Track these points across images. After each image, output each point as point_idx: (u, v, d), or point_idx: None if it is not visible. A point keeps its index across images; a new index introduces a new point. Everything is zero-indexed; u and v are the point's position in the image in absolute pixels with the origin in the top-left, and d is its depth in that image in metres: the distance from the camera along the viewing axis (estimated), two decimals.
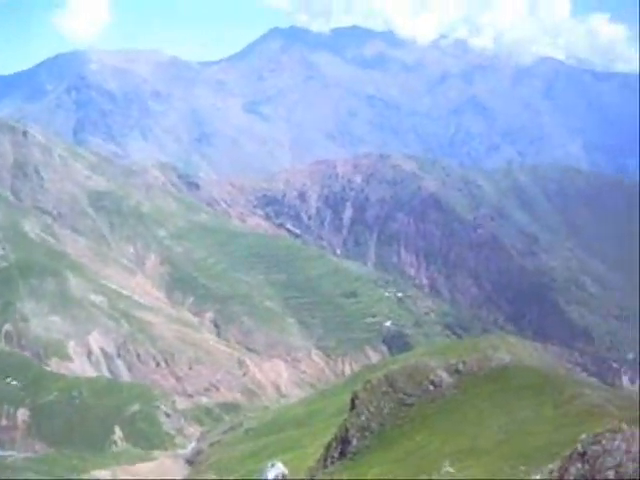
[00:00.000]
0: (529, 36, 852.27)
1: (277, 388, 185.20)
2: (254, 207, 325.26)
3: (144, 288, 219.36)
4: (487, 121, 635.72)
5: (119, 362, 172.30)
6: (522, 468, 28.02)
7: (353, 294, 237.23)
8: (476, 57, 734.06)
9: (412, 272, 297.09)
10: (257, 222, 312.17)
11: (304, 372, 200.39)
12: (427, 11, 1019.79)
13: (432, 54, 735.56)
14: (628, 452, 14.51)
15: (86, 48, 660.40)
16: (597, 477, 14.57)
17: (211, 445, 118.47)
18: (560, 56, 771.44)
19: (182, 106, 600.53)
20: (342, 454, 49.71)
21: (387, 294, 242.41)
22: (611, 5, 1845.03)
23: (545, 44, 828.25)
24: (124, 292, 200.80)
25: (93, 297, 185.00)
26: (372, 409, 49.58)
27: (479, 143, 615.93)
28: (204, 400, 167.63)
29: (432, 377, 50.01)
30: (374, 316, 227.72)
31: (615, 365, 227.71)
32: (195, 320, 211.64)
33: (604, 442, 15.10)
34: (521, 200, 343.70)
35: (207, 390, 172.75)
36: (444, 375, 50.17)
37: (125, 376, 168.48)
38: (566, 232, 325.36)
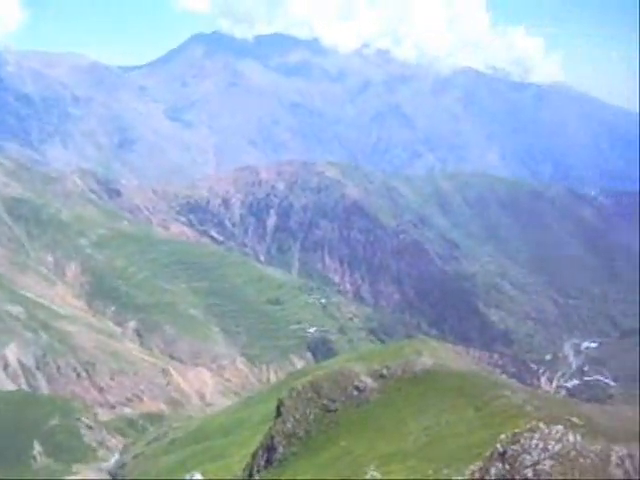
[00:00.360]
0: (449, 47, 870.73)
1: (202, 397, 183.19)
2: (177, 214, 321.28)
3: (64, 298, 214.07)
4: (409, 129, 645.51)
5: (38, 374, 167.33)
6: (445, 471, 28.62)
7: (277, 301, 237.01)
8: (398, 66, 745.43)
9: (336, 278, 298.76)
10: (180, 229, 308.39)
11: (229, 380, 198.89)
12: (350, 20, 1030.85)
13: (355, 63, 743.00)
14: (545, 450, 15.04)
15: (2, 49, 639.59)
16: (516, 476, 15.03)
17: (135, 457, 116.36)
18: (479, 67, 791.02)
19: (103, 112, 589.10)
20: (268, 462, 49.67)
21: (311, 301, 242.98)
22: (528, 19, 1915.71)
23: (465, 55, 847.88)
24: (43, 302, 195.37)
25: (10, 307, 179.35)
26: (297, 416, 49.70)
27: (401, 151, 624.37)
28: (127, 411, 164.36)
29: (356, 382, 50.46)
30: (298, 323, 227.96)
31: (533, 366, 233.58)
32: (117, 330, 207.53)
33: (522, 441, 15.60)
34: (442, 206, 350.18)
35: (130, 401, 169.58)
36: (368, 380, 50.67)
37: (44, 389, 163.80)
38: (485, 237, 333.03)
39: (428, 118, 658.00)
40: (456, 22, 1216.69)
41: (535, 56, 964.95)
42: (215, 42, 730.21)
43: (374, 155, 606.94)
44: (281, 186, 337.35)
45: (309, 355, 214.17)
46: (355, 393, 49.73)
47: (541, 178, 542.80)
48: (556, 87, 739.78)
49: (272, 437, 50.16)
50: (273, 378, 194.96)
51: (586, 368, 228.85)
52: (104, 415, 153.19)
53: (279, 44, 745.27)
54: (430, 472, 29.60)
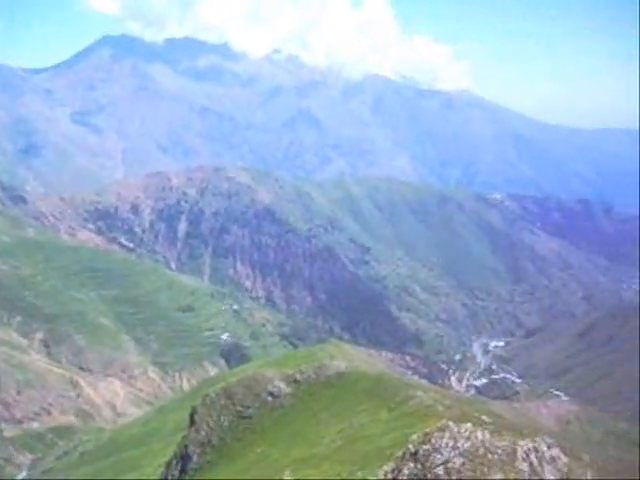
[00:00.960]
0: (359, 54, 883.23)
1: (113, 408, 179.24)
2: (84, 221, 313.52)
3: None
4: (319, 134, 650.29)
5: None
6: (359, 473, 29.00)
7: (189, 308, 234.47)
8: (308, 72, 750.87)
9: (248, 284, 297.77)
10: (88, 236, 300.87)
11: (141, 390, 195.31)
12: (260, 25, 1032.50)
13: (266, 68, 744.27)
14: (455, 448, 15.52)
15: None
16: (428, 475, 15.44)
17: (44, 472, 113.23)
18: (388, 74, 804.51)
19: (6, 115, 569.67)
20: (183, 471, 49.18)
21: (223, 307, 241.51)
22: (435, 27, 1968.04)
23: (374, 62, 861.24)
24: None
25: None
26: (211, 423, 49.38)
27: (312, 155, 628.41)
28: (35, 425, 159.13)
29: (270, 388, 50.52)
30: (211, 329, 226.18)
31: (444, 366, 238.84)
32: (23, 341, 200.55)
33: (433, 441, 16.05)
34: (353, 211, 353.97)
35: (38, 415, 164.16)
36: (282, 385, 50.82)
37: None
38: (396, 241, 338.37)
39: (338, 123, 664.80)
40: (365, 29, 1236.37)
41: (442, 64, 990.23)
42: (124, 45, 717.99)
43: (285, 160, 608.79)
44: (192, 192, 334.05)
45: (222, 362, 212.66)
46: (269, 398, 49.80)
47: (449, 183, 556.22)
48: (463, 95, 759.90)
49: (186, 446, 49.71)
50: (186, 386, 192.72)
51: (494, 367, 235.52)
52: (10, 431, 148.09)
53: (189, 48, 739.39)
54: (344, 474, 29.93)
